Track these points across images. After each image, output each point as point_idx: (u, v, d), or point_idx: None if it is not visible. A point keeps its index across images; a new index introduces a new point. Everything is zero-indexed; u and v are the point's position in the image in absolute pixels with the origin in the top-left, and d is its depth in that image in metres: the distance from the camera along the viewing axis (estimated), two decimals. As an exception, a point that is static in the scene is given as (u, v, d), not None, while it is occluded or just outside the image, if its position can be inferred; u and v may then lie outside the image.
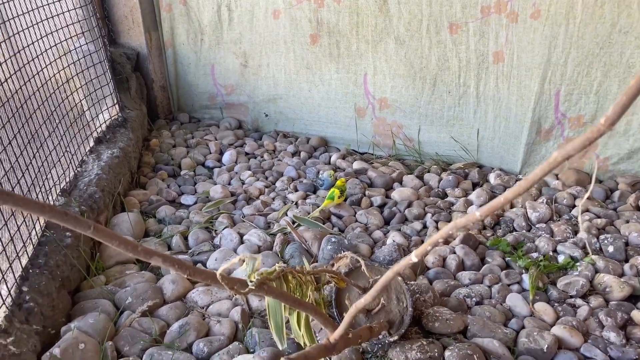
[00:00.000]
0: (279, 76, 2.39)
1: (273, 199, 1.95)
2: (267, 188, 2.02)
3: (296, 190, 1.99)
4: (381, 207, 1.91)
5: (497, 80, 2.02)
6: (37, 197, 1.40)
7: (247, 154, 2.33)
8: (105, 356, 1.15)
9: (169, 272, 1.47)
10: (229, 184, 2.07)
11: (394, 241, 1.63)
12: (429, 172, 2.13)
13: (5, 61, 1.45)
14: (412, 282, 1.42)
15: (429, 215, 1.84)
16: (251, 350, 1.21)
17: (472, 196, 1.92)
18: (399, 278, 1.25)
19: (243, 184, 2.07)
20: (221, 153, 2.31)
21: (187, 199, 1.93)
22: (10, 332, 1.05)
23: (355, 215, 1.84)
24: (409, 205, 1.90)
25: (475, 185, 2.05)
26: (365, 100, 2.27)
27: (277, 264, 0.90)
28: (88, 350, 1.13)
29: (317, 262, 1.55)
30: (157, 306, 1.34)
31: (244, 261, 0.84)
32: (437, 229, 1.76)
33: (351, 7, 2.10)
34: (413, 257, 0.75)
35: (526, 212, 1.83)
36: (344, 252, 1.57)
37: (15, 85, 1.54)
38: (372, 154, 2.34)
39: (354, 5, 2.10)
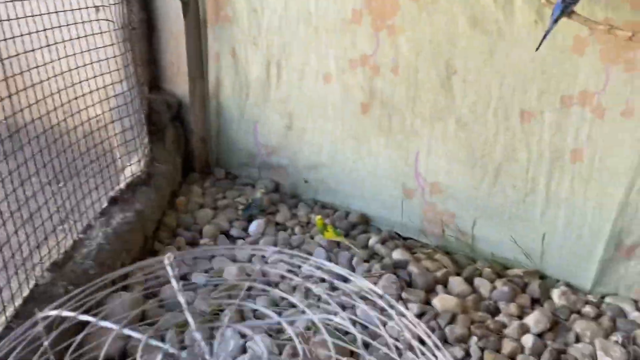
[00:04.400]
0: (324, 142, 2.17)
1: (294, 288, 1.71)
2: (291, 272, 1.78)
3: (323, 281, 1.74)
4: (418, 316, 1.62)
5: (573, 181, 1.70)
6: (16, 273, 1.23)
7: (277, 224, 2.11)
8: None
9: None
10: (250, 261, 1.84)
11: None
12: (480, 275, 1.83)
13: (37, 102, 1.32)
14: None
15: (474, 338, 1.53)
16: None
17: (530, 319, 1.60)
18: None
19: (266, 263, 1.84)
20: (250, 220, 2.10)
21: (198, 278, 1.72)
22: None
23: (385, 326, 1.56)
24: (452, 319, 1.60)
25: (534, 302, 1.72)
26: (415, 182, 2.01)
27: None
28: None
29: (326, 393, 1.28)
30: None
31: None
32: (482, 360, 1.45)
33: (409, 80, 1.87)
34: None
35: (595, 353, 1.48)
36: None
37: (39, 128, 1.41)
38: (418, 241, 2.06)
39: (413, 77, 1.86)
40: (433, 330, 1.55)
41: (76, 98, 1.68)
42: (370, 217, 2.17)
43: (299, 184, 2.32)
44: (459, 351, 1.48)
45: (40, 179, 1.47)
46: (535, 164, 1.76)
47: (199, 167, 2.46)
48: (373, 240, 2.00)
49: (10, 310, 1.17)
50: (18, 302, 1.21)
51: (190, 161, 2.43)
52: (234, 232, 2.03)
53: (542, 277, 1.84)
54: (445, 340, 1.54)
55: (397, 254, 1.90)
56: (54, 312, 0.57)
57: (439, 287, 1.76)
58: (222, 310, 1.54)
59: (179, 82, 2.32)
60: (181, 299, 0.63)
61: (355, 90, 2.00)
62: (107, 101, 1.84)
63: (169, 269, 0.66)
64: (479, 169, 1.86)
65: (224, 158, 2.47)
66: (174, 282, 0.65)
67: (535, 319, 1.59)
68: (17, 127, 1.36)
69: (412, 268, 1.81)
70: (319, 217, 1.97)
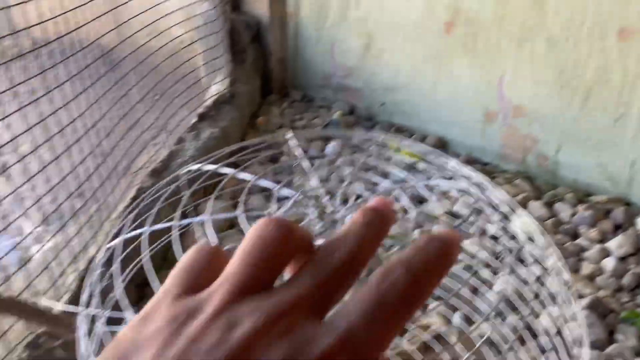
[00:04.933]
0: (402, 64, 2.14)
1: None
2: (368, 191, 1.83)
3: (397, 200, 1.77)
4: (496, 237, 1.64)
5: (673, 105, 1.61)
6: (123, 177, 1.34)
7: (354, 146, 2.15)
8: None
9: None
10: (327, 180, 1.90)
11: (503, 289, 1.38)
12: (561, 200, 1.80)
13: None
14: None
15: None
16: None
17: (612, 244, 1.58)
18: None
19: (341, 182, 1.89)
20: (327, 140, 2.15)
21: (284, 191, 1.81)
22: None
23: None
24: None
25: (617, 228, 1.68)
26: (498, 105, 1.96)
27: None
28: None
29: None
30: None
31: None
32: (560, 280, 1.46)
33: (498, -4, 1.79)
34: None
35: (681, 278, 1.46)
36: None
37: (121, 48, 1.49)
38: (497, 167, 2.04)
39: (503, -7, 1.77)
40: (510, 250, 1.57)
41: (160, 18, 1.73)
42: (447, 141, 2.15)
43: (374, 107, 2.32)
44: (537, 269, 1.49)
45: (128, 99, 1.56)
46: (630, 87, 1.66)
47: (277, 88, 2.50)
48: (451, 163, 1.99)
49: (118, 210, 1.30)
50: (125, 203, 1.33)
51: (268, 83, 2.48)
52: (312, 151, 2.08)
53: (628, 204, 1.78)
54: (520, 260, 1.55)
55: (477, 178, 1.89)
56: (196, 166, 0.64)
57: (518, 211, 1.75)
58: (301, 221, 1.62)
59: (258, 2, 2.33)
60: (305, 163, 0.68)
61: (439, 8, 1.93)
62: (190, 20, 1.89)
63: (292, 141, 0.71)
64: (567, 92, 1.78)
65: (300, 80, 2.49)
66: (298, 151, 0.70)
67: (617, 243, 1.56)
68: (106, 49, 1.43)
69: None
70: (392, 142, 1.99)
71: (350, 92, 2.36)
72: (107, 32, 1.43)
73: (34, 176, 1.01)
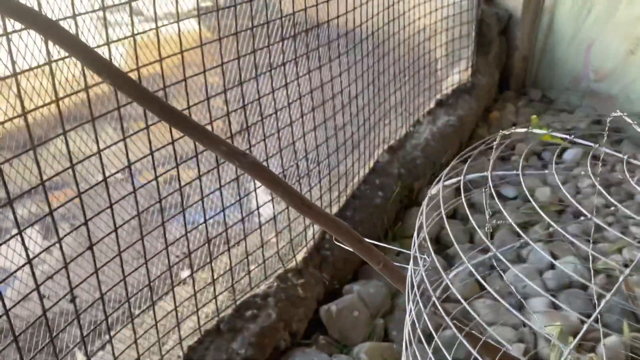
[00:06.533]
0: (674, 74, 1.88)
1: (609, 224, 1.60)
2: (607, 209, 1.67)
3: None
4: None
5: None
6: (364, 151, 1.44)
7: (595, 157, 1.96)
8: (373, 333, 1.15)
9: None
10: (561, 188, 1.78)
11: None
12: None
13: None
14: None
15: None
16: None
17: None
18: None
19: (577, 193, 1.76)
20: (564, 148, 2.00)
21: (507, 191, 1.75)
22: (303, 274, 1.13)
23: None
24: None
25: None
26: None
27: None
28: (360, 320, 1.14)
29: (642, 333, 1.21)
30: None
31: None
32: None
33: None
34: None
35: None
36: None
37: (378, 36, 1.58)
38: None
39: None
40: None
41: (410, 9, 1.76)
42: None
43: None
44: None
45: (380, 80, 1.64)
46: None
47: (515, 85, 2.40)
48: None
49: (359, 177, 1.40)
50: (364, 171, 1.44)
51: (507, 78, 2.39)
52: (546, 155, 1.97)
53: None
54: None
55: None
56: (517, 130, 0.68)
57: None
58: (531, 225, 1.55)
59: (513, -6, 2.25)
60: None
61: None
62: (439, 11, 1.88)
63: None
64: None
65: (543, 79, 2.35)
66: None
67: None
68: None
69: None
70: (534, 116, 1.79)
71: (600, 99, 2.15)
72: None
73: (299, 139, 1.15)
